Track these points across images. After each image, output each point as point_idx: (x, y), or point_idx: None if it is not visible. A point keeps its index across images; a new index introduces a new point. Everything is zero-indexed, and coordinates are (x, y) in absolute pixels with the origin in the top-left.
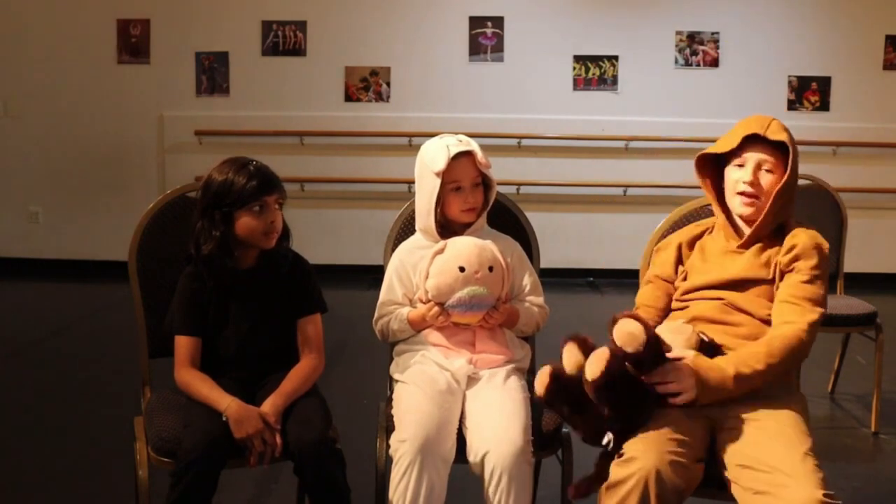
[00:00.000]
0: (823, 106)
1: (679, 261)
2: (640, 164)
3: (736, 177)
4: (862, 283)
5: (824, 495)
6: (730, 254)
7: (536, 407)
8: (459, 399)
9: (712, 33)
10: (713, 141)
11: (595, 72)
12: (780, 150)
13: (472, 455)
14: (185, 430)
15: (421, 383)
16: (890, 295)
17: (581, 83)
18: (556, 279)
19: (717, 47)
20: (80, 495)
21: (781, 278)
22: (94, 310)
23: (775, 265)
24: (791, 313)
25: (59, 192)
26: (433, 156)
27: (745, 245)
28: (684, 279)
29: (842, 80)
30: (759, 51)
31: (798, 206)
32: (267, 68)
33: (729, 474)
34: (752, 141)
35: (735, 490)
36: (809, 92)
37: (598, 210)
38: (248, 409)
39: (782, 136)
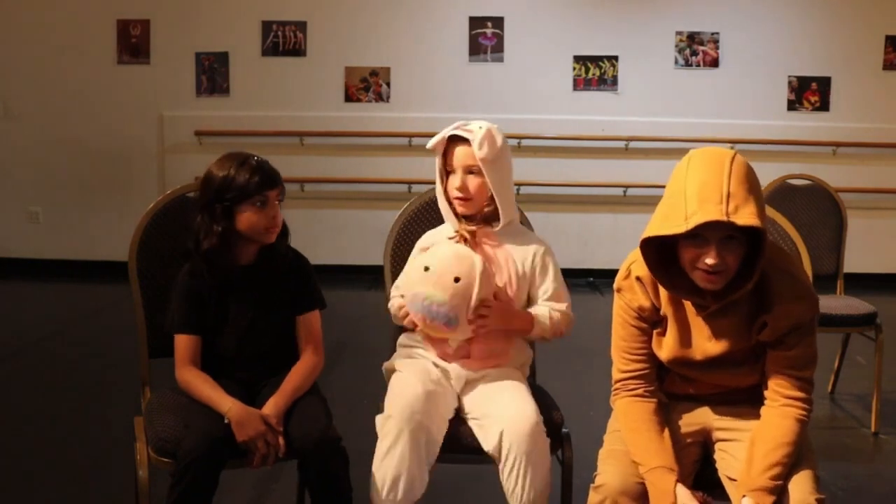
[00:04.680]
0: (823, 106)
1: (651, 302)
2: (640, 164)
3: (693, 255)
4: (862, 283)
5: (817, 500)
6: (701, 314)
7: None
8: (451, 395)
9: (712, 33)
10: (713, 142)
11: (595, 72)
12: None
13: (487, 440)
14: (184, 431)
15: (413, 370)
16: (890, 295)
17: (581, 83)
18: None
19: (717, 47)
20: (80, 495)
21: (768, 339)
22: (94, 310)
23: (757, 330)
24: (791, 387)
25: (59, 192)
26: (438, 134)
27: (715, 311)
28: (663, 331)
29: (842, 80)
30: (759, 51)
31: (798, 206)
32: (267, 68)
33: (725, 486)
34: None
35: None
36: (809, 92)
37: (598, 210)
38: (250, 412)
39: (751, 220)
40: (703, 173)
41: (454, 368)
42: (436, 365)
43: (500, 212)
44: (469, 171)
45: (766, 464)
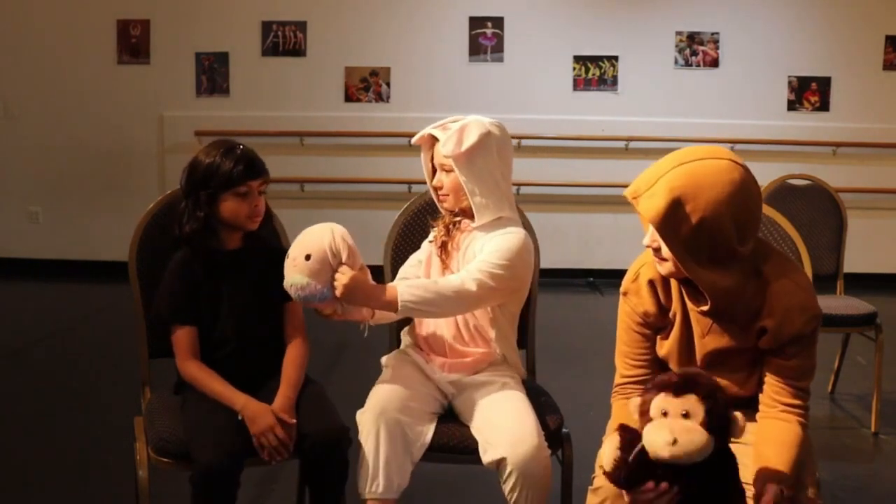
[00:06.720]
0: (823, 106)
1: (659, 303)
2: (640, 164)
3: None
4: (862, 283)
5: None
6: (701, 312)
7: (535, 408)
8: (438, 395)
9: (712, 33)
10: (713, 142)
11: (595, 72)
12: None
13: (486, 455)
14: (195, 440)
15: (401, 366)
16: (890, 295)
17: (581, 83)
18: (556, 279)
19: (717, 47)
20: (81, 495)
21: (767, 346)
22: (94, 310)
23: (757, 334)
24: (788, 395)
25: (59, 192)
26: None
27: (711, 312)
28: (666, 335)
29: (842, 80)
30: (759, 51)
31: (798, 206)
32: (267, 68)
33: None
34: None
35: None
36: (809, 92)
37: (598, 210)
38: (264, 407)
39: (644, 209)
40: (664, 160)
41: (438, 374)
42: (423, 372)
43: (474, 209)
44: (443, 168)
45: (781, 460)
